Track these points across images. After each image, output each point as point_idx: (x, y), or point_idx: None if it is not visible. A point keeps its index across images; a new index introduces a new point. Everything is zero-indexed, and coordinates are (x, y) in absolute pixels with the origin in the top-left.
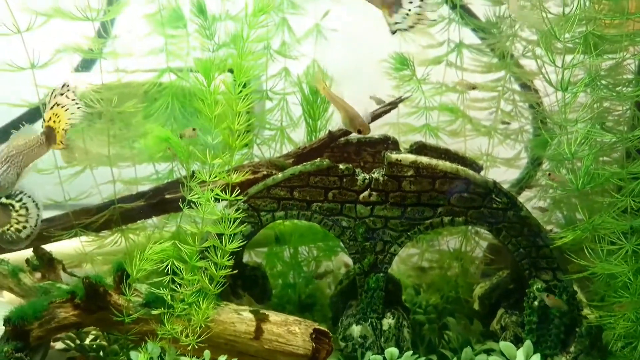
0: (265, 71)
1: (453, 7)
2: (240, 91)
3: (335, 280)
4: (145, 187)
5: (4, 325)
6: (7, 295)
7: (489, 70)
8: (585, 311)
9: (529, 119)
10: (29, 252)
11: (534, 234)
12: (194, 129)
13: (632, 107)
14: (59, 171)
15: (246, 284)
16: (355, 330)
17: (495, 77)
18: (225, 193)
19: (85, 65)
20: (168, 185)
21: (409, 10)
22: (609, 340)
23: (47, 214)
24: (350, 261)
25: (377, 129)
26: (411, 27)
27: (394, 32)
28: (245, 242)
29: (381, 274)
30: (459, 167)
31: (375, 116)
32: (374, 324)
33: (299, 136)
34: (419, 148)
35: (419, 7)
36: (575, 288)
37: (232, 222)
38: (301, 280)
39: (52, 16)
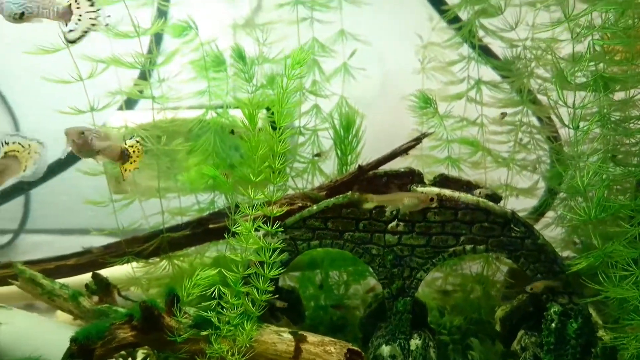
0: (298, 109)
1: (473, 46)
2: (281, 134)
3: (364, 303)
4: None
5: (71, 343)
6: (62, 316)
7: (505, 106)
8: (601, 332)
9: (547, 150)
10: (87, 277)
11: (551, 260)
12: (225, 174)
13: None
14: (113, 203)
15: (283, 307)
16: (385, 350)
17: (512, 111)
18: (265, 224)
19: (129, 104)
20: (211, 216)
21: (80, 15)
22: None
23: (103, 241)
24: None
25: (403, 162)
26: (86, 32)
27: (70, 42)
28: (283, 269)
29: (408, 298)
30: (480, 199)
31: (402, 151)
32: (402, 344)
33: (329, 167)
34: (442, 180)
35: (92, 11)
36: (592, 311)
37: (272, 252)
38: (332, 303)
39: (110, 64)
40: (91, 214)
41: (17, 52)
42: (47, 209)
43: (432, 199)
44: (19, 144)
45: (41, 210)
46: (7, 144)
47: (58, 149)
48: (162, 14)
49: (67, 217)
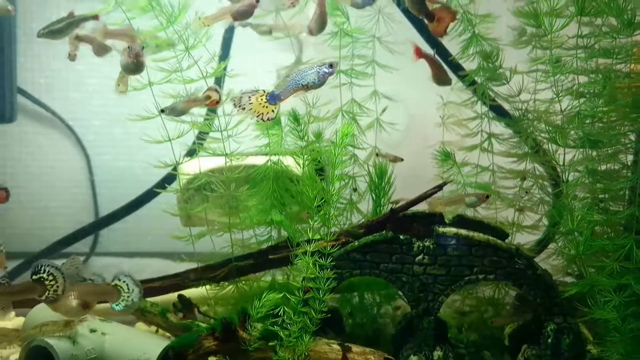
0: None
1: (484, 104)
2: (334, 189)
3: (394, 322)
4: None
5: (168, 350)
6: (141, 326)
7: (509, 156)
8: (590, 346)
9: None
10: (174, 297)
11: (548, 287)
12: (307, 214)
13: (627, 189)
14: (192, 237)
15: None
16: (413, 359)
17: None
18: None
19: (190, 153)
20: (269, 249)
21: None
22: None
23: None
24: None
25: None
26: None
27: None
28: (332, 293)
29: (432, 317)
30: (490, 237)
31: (427, 196)
32: (427, 354)
33: (364, 207)
34: (459, 220)
35: None
36: (583, 329)
37: (326, 280)
38: (366, 321)
39: (192, 127)
40: (151, 240)
41: (94, 98)
42: (114, 234)
43: (487, 196)
44: (127, 284)
45: (109, 235)
46: (119, 279)
47: (127, 185)
48: (218, 82)
49: (131, 242)
